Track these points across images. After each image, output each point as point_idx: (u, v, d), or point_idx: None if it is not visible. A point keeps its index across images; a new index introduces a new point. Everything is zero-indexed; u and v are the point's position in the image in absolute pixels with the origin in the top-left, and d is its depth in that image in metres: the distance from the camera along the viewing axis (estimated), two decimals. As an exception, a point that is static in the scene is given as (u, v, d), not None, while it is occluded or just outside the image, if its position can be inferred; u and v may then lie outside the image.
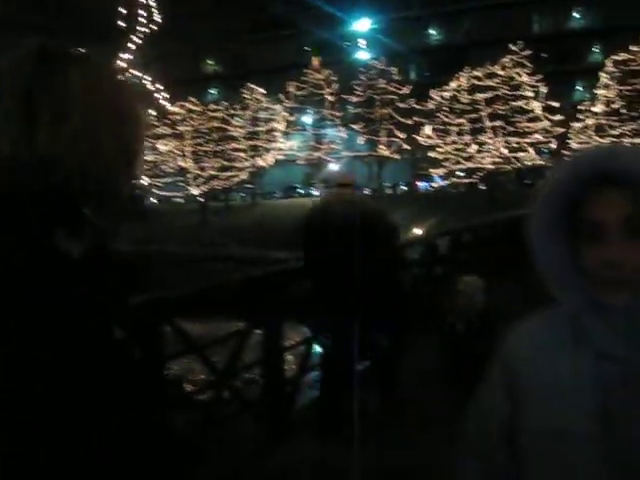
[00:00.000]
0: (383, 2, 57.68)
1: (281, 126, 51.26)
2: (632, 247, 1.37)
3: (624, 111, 42.91)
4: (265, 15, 63.93)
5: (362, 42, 55.16)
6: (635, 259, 1.37)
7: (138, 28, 40.01)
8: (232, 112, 50.07)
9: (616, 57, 43.89)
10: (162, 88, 46.18)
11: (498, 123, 43.17)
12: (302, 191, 56.17)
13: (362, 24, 55.59)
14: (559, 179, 1.46)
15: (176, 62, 62.20)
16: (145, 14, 39.77)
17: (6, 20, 33.11)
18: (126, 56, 42.65)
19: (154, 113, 51.39)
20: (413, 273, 9.35)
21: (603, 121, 43.56)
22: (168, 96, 46.73)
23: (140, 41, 41.35)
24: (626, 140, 39.79)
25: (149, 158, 51.57)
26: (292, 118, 52.13)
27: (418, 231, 22.74)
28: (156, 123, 51.54)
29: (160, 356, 4.39)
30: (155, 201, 55.13)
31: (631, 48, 43.39)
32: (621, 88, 43.04)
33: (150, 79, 45.33)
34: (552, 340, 1.50)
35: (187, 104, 49.77)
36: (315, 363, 7.36)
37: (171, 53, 61.94)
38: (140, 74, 45.02)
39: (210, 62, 72.21)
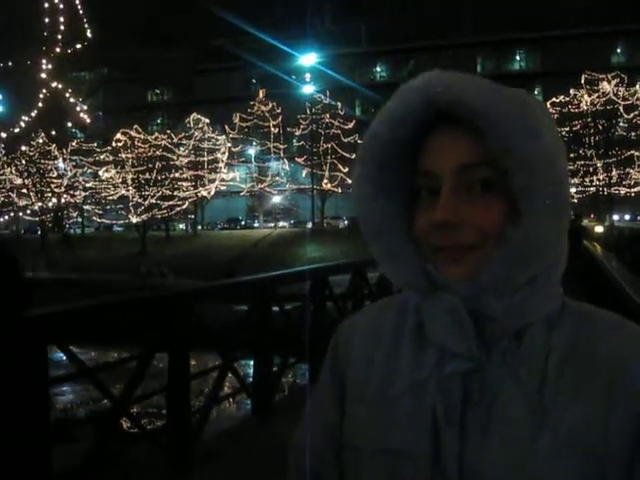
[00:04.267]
0: (330, 37, 58.32)
1: (225, 157, 51.10)
2: (470, 205, 1.00)
3: (562, 152, 43.82)
4: (212, 46, 64.13)
5: (308, 76, 55.47)
6: (474, 220, 1.00)
7: (60, 37, 39.48)
8: (176, 141, 49.75)
9: (555, 99, 44.91)
10: (81, 100, 45.59)
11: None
12: (245, 223, 56.10)
13: (309, 58, 55.98)
14: (385, 115, 1.06)
15: (121, 89, 61.89)
16: (72, 27, 39.33)
17: None
18: (49, 67, 41.93)
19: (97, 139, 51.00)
20: (337, 304, 9.20)
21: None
22: (85, 108, 46.15)
23: (61, 51, 40.78)
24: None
25: (90, 185, 50.99)
26: (236, 149, 52.03)
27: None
28: (98, 150, 51.02)
29: (44, 379, 4.13)
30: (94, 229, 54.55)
31: (570, 91, 44.54)
32: (560, 129, 43.90)
33: (69, 92, 44.69)
34: (391, 333, 1.15)
35: (130, 131, 49.31)
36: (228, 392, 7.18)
37: (116, 79, 61.66)
38: (59, 85, 44.36)
39: (156, 91, 71.98)
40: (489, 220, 1.00)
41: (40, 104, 42.78)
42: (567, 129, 43.67)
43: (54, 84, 43.27)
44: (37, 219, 51.76)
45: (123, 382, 5.15)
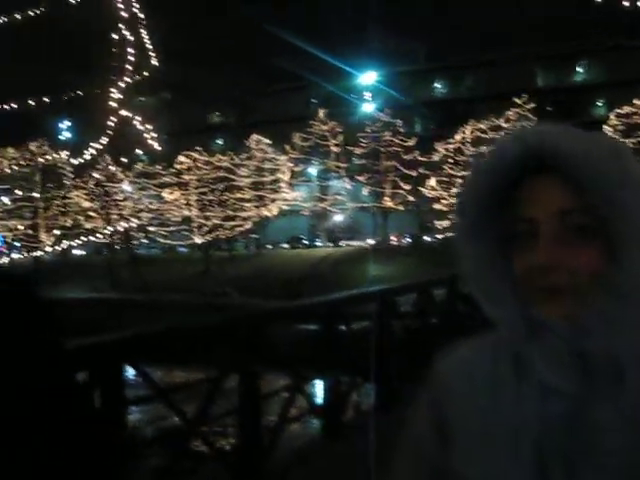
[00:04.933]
0: (389, 56, 58.40)
1: (286, 177, 51.44)
2: (567, 249, 1.06)
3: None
4: (272, 67, 64.79)
5: (368, 95, 55.59)
6: (571, 263, 1.06)
7: (130, 68, 40.43)
8: (238, 162, 50.29)
9: (619, 110, 44.14)
10: (151, 128, 46.39)
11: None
12: (307, 242, 56.24)
13: (368, 77, 56.18)
14: (484, 166, 1.17)
15: (183, 112, 62.89)
16: (140, 57, 40.23)
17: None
18: (116, 96, 42.90)
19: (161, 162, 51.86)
20: (404, 323, 9.17)
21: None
22: (157, 136, 46.94)
23: (131, 81, 41.73)
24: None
25: (154, 207, 51.85)
26: (297, 169, 52.33)
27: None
28: (162, 172, 51.89)
29: (121, 400, 4.22)
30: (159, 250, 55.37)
31: (635, 102, 43.70)
32: (625, 140, 43.15)
33: (139, 120, 45.57)
34: (488, 373, 1.18)
35: (193, 153, 50.03)
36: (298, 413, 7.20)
37: (178, 102, 62.68)
38: (130, 114, 45.28)
39: (217, 112, 72.96)
40: (584, 263, 1.06)
41: (109, 131, 43.78)
42: (634, 140, 42.82)
43: (123, 112, 44.25)
44: (103, 241, 52.71)
45: (190, 402, 5.23)
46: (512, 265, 1.13)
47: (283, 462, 6.20)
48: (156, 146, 47.16)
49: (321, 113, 53.23)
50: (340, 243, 53.00)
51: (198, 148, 50.86)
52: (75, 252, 57.64)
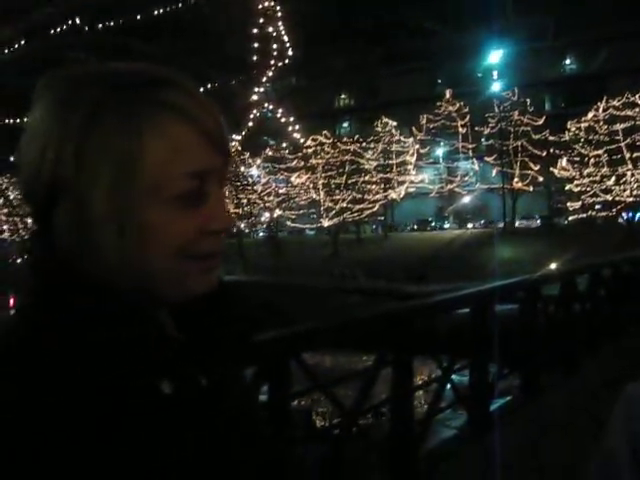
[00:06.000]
0: (517, 33, 56.93)
1: (413, 159, 51.22)
2: None
3: None
4: (398, 48, 64.40)
5: (495, 73, 54.50)
6: None
7: (272, 62, 40.97)
8: (364, 145, 50.45)
9: None
10: (293, 120, 46.96)
11: (638, 154, 41.65)
12: (434, 224, 55.88)
13: (496, 55, 55.04)
14: None
15: (309, 96, 63.40)
16: (278, 48, 40.68)
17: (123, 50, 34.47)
18: (260, 89, 43.65)
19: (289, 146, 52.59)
20: (548, 310, 9.03)
21: None
22: (298, 128, 47.47)
23: (271, 75, 42.28)
24: None
25: (282, 191, 52.72)
26: (424, 150, 52.01)
27: (554, 266, 22.05)
28: (290, 156, 52.65)
29: (287, 393, 4.38)
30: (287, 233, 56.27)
31: None
32: None
33: (281, 112, 46.22)
34: None
35: (320, 137, 50.51)
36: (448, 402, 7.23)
37: (304, 87, 63.21)
38: (273, 107, 46.00)
39: (343, 96, 73.19)
40: None
41: (250, 123, 44.74)
42: None
43: (264, 104, 45.16)
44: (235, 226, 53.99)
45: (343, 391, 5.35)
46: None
47: (433, 453, 6.25)
48: (298, 136, 47.77)
49: (448, 93, 52.67)
50: (468, 225, 52.36)
51: (325, 132, 51.29)
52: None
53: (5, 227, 64.02)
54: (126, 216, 0.89)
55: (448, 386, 6.54)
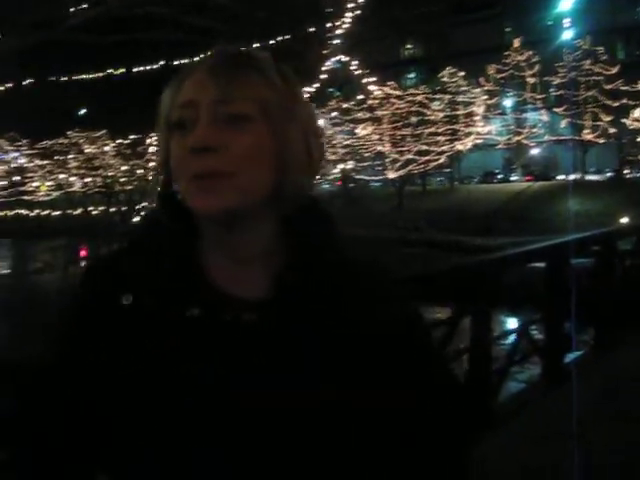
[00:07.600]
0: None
1: (480, 110, 50.43)
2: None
3: None
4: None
5: (566, 21, 53.04)
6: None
7: (345, 14, 40.72)
8: (431, 96, 49.85)
9: None
10: (368, 72, 46.72)
11: None
12: (501, 176, 55.13)
13: (566, 2, 53.50)
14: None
15: (374, 46, 62.70)
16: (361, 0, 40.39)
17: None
18: (335, 42, 43.49)
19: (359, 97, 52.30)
20: (624, 264, 8.96)
21: None
22: (372, 80, 47.25)
23: (346, 26, 41.99)
24: None
25: (348, 142, 52.54)
26: (492, 101, 51.15)
27: (626, 220, 21.70)
28: (355, 108, 52.33)
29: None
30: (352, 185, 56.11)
31: None
32: None
33: (356, 63, 46.04)
34: None
35: (386, 88, 50.06)
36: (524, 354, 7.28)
37: (370, 38, 62.50)
38: (347, 59, 45.86)
39: (409, 46, 72.16)
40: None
41: (323, 76, 44.74)
42: None
43: (339, 57, 45.15)
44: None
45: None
46: None
47: (508, 405, 6.34)
48: (374, 88, 47.59)
49: (516, 42, 51.55)
50: (536, 177, 51.52)
51: (391, 82, 50.79)
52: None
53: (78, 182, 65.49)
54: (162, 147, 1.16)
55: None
